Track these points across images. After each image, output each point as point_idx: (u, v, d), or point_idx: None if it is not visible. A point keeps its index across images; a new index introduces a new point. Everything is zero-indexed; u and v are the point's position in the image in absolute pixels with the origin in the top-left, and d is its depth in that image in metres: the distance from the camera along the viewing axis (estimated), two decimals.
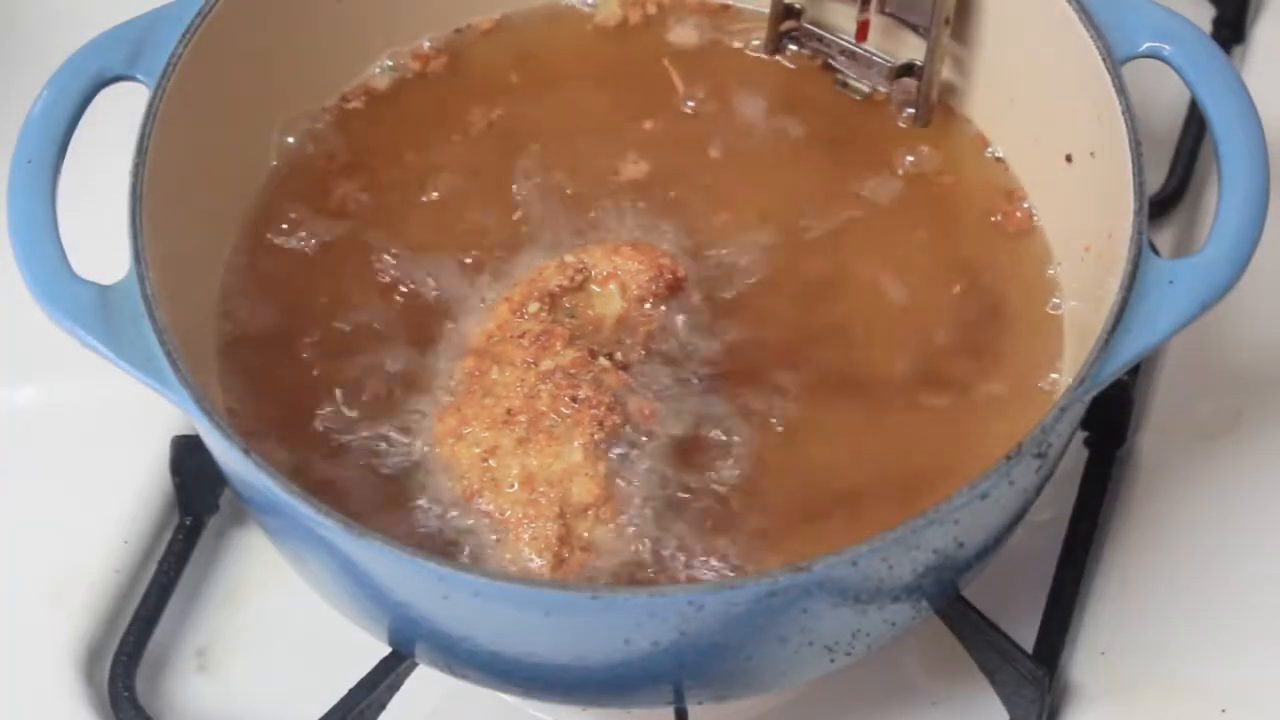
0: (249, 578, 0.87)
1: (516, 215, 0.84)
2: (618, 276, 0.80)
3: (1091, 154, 0.79)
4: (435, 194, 0.86)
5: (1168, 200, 0.96)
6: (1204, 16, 1.03)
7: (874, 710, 0.83)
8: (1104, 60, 0.77)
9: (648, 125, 0.88)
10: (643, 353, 0.78)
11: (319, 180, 0.86)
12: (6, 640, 0.84)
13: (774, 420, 0.77)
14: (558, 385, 0.75)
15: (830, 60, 0.89)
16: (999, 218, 0.84)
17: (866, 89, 0.89)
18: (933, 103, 0.87)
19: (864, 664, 0.74)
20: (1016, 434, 0.69)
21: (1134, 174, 0.74)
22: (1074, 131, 0.80)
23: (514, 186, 0.85)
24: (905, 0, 0.86)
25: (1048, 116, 0.82)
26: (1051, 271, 0.82)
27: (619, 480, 0.74)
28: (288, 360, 0.80)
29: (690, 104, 0.89)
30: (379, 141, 0.87)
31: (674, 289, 0.80)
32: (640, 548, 0.73)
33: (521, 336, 0.77)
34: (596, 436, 0.74)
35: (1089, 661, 0.82)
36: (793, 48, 0.90)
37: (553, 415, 0.74)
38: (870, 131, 0.87)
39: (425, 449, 0.76)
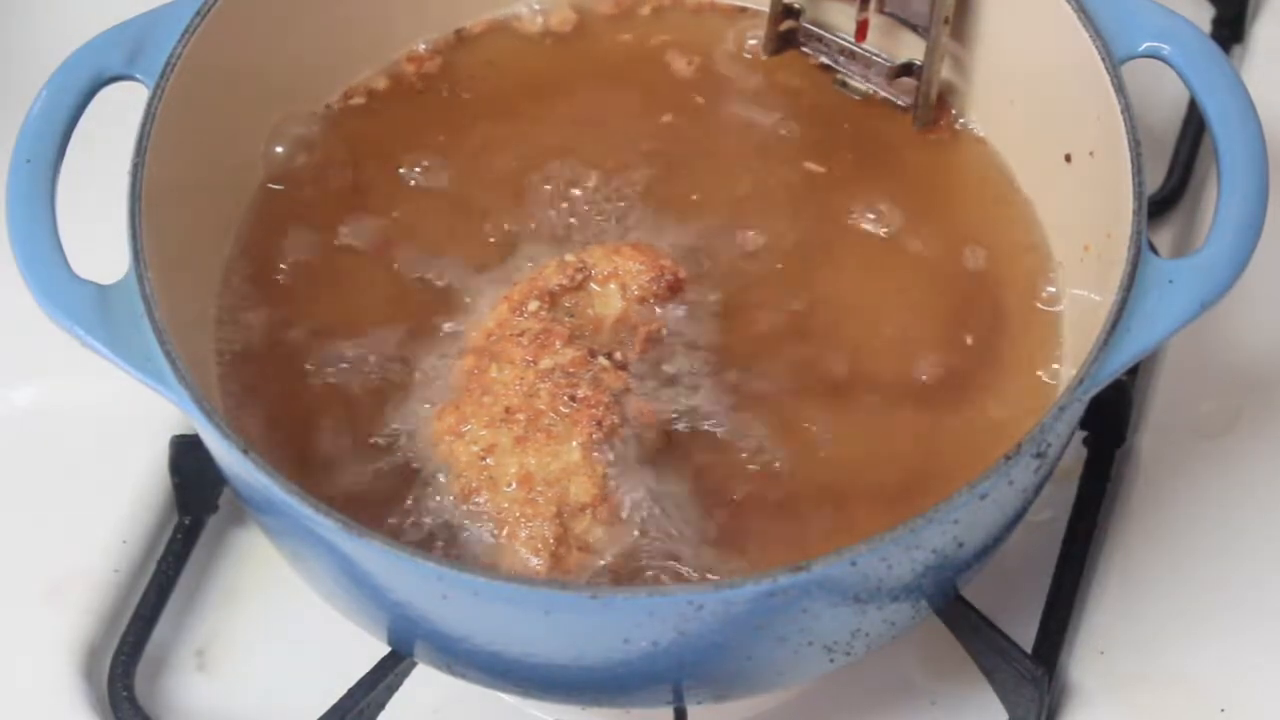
0: (248, 578, 0.87)
1: (516, 214, 0.84)
2: (618, 276, 0.80)
3: (1091, 154, 0.79)
4: (433, 194, 0.86)
5: (1167, 200, 0.96)
6: (1203, 16, 1.03)
7: (874, 710, 0.83)
8: (1103, 60, 0.77)
9: (646, 125, 0.88)
10: (642, 353, 0.78)
11: (316, 181, 0.86)
12: (6, 640, 0.84)
13: (773, 421, 0.77)
14: (556, 384, 0.75)
15: (830, 60, 0.89)
16: (998, 218, 0.84)
17: (866, 89, 0.89)
18: (932, 102, 0.87)
19: (864, 664, 0.74)
20: (1015, 434, 0.69)
21: (1133, 174, 0.74)
22: (1073, 131, 0.80)
23: (513, 186, 0.85)
24: (904, 0, 0.86)
25: (1047, 116, 0.82)
26: (1051, 271, 0.82)
27: (616, 480, 0.74)
28: (286, 359, 0.80)
29: (689, 104, 0.88)
30: (376, 143, 0.87)
31: (674, 289, 0.80)
32: (638, 547, 0.73)
33: (521, 335, 0.77)
34: (595, 436, 0.74)
35: (1088, 661, 0.82)
36: (792, 48, 0.90)
37: (551, 414, 0.74)
38: (869, 131, 0.87)
39: (423, 447, 0.76)
